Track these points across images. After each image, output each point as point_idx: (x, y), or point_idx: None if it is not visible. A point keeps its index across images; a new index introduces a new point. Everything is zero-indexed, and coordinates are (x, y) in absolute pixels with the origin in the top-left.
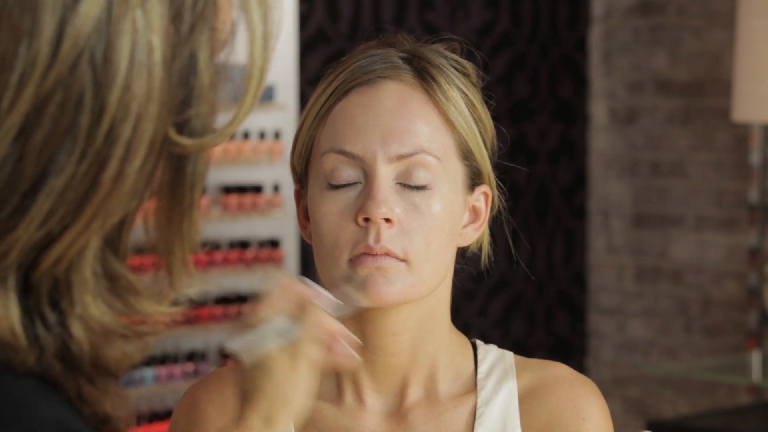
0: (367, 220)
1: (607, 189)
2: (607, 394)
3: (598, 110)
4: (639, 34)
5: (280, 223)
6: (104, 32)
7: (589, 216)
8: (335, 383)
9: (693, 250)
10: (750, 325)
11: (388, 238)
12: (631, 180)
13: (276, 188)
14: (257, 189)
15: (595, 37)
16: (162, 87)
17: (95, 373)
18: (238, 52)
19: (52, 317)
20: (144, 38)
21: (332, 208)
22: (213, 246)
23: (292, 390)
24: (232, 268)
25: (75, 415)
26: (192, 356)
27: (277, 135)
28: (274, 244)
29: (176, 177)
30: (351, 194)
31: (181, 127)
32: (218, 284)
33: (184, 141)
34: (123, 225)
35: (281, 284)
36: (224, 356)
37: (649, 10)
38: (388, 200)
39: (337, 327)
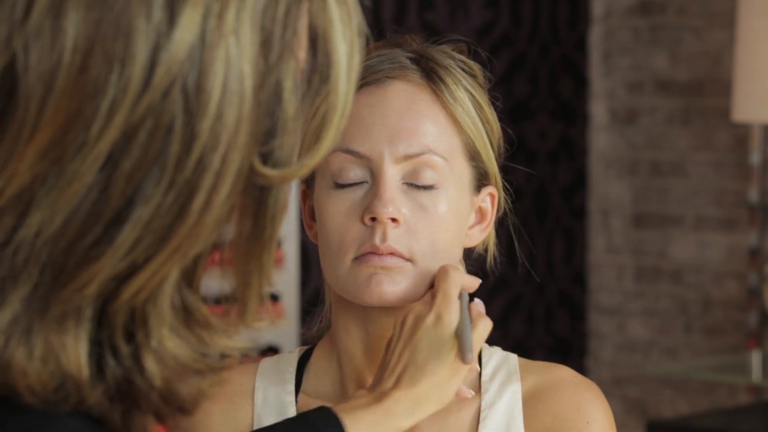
0: (373, 219)
1: (607, 189)
2: (607, 394)
3: (598, 110)
4: (639, 34)
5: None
6: (197, 60)
7: (589, 216)
8: (339, 384)
9: (693, 250)
10: (750, 325)
11: (394, 237)
12: (631, 180)
13: None
14: None
15: (595, 37)
16: (251, 117)
17: (165, 409)
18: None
19: (125, 350)
20: (237, 66)
21: (338, 208)
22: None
23: (451, 382)
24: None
25: None
26: None
27: None
28: None
29: (258, 209)
30: (357, 194)
31: (266, 158)
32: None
33: (269, 172)
34: (200, 257)
35: (450, 276)
36: (224, 355)
37: (649, 10)
38: (394, 200)
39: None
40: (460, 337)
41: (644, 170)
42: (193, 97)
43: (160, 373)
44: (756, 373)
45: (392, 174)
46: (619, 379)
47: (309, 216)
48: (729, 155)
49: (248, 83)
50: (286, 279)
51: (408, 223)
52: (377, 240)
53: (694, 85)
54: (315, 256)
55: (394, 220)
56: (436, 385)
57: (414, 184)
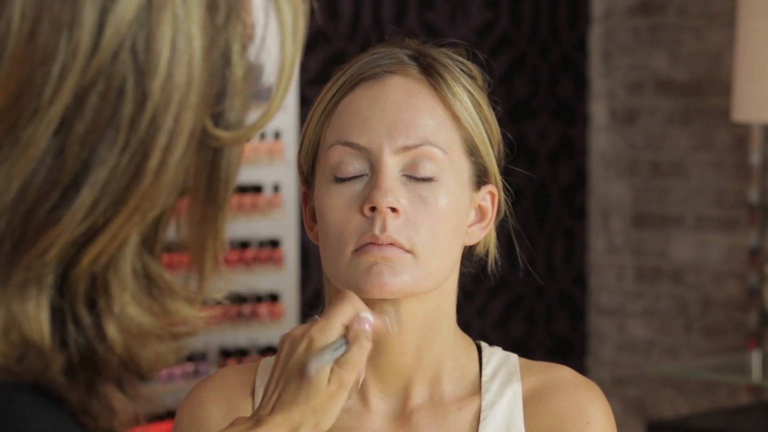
0: (373, 209)
1: (607, 189)
2: (607, 394)
3: (598, 110)
4: (639, 34)
5: (280, 223)
6: (145, 20)
7: (589, 216)
8: None
9: (693, 250)
10: (750, 325)
11: (394, 228)
12: (631, 180)
13: (276, 188)
14: (257, 189)
15: (595, 37)
16: (201, 77)
17: (125, 376)
18: (270, 49)
19: (87, 318)
20: (184, 27)
21: (338, 201)
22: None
23: (328, 407)
24: (232, 268)
25: (78, 430)
26: (192, 356)
27: (277, 135)
28: (274, 244)
29: (211, 171)
30: (357, 187)
31: (217, 120)
32: (218, 284)
33: (220, 133)
34: (159, 223)
35: (349, 303)
36: (225, 356)
37: (649, 10)
38: (394, 190)
39: (363, 370)
40: (317, 352)
41: (644, 170)
42: (143, 58)
43: (121, 340)
44: (756, 373)
45: (391, 165)
46: (619, 379)
47: (310, 217)
48: (729, 155)
49: (197, 44)
50: (286, 279)
51: (407, 215)
52: (377, 230)
53: (694, 85)
54: (315, 256)
55: (393, 210)
56: (311, 411)
57: (413, 177)
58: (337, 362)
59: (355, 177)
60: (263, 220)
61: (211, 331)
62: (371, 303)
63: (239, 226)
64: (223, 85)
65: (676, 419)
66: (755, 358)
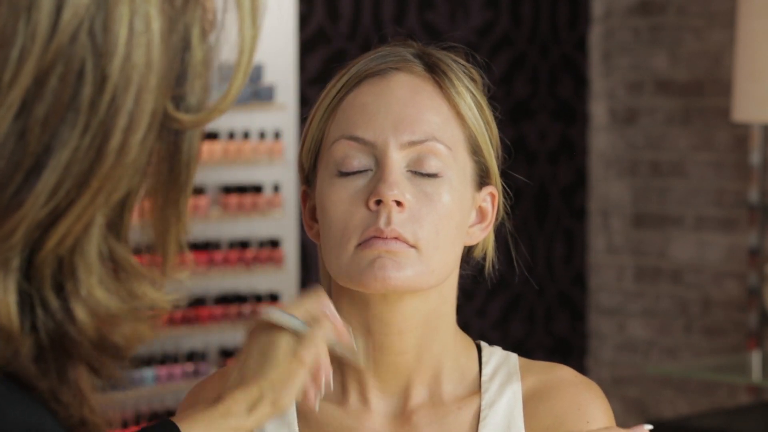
0: (378, 203)
1: (607, 189)
2: (607, 394)
3: (598, 110)
4: (639, 34)
5: (280, 223)
6: (102, 2)
7: (589, 216)
8: (340, 383)
9: (693, 250)
10: (750, 325)
11: (399, 222)
12: (631, 180)
13: (276, 188)
14: (257, 189)
15: (595, 37)
16: (160, 59)
17: (99, 360)
18: (230, 34)
19: (54, 302)
20: (142, 9)
21: (342, 195)
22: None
23: (286, 383)
24: (232, 268)
25: (49, 417)
26: (192, 356)
27: (277, 135)
28: (274, 244)
29: (173, 154)
30: (361, 181)
31: (178, 103)
32: (218, 284)
33: (181, 116)
34: (124, 206)
35: (317, 296)
36: (225, 356)
37: (649, 10)
38: (399, 184)
39: (327, 361)
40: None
41: (644, 170)
42: (101, 39)
43: (91, 323)
44: (756, 373)
45: (397, 160)
46: (619, 379)
47: (309, 216)
48: (729, 155)
49: (155, 26)
50: (286, 279)
51: (412, 210)
52: (382, 223)
53: (694, 85)
54: (315, 256)
55: (399, 204)
56: (270, 386)
57: (418, 172)
58: (297, 339)
59: (359, 171)
60: (263, 220)
61: (210, 331)
62: (374, 301)
63: (239, 226)
64: (183, 68)
65: (676, 419)
66: (755, 358)
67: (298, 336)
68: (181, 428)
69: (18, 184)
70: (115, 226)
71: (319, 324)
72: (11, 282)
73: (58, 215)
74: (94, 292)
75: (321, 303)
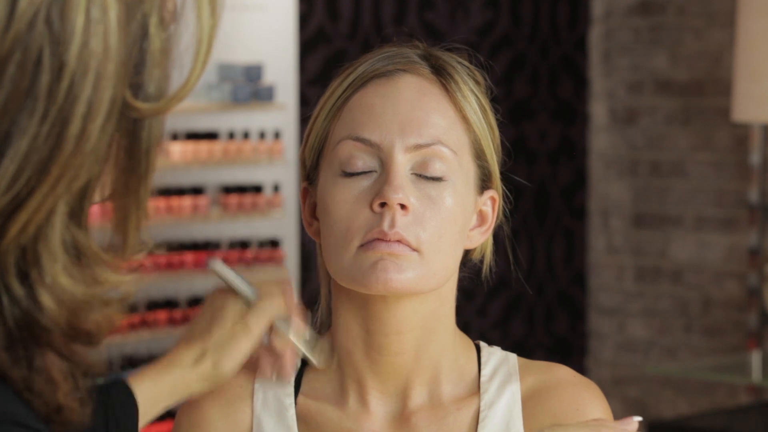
0: (383, 205)
1: (607, 189)
2: (607, 394)
3: (598, 110)
4: (639, 34)
5: (280, 223)
6: None
7: (589, 216)
8: (339, 385)
9: (693, 250)
10: (750, 325)
11: (403, 225)
12: (631, 180)
13: (276, 188)
14: (257, 189)
15: (595, 37)
16: (118, 47)
17: (70, 345)
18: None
19: (19, 290)
20: None
21: (346, 196)
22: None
23: (230, 345)
24: (232, 268)
25: (22, 406)
26: None
27: (277, 135)
28: (274, 244)
29: (132, 142)
30: (365, 183)
31: (136, 92)
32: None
33: (140, 105)
34: (85, 194)
35: (283, 281)
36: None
37: (649, 10)
38: (404, 187)
39: (292, 348)
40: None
41: (644, 170)
42: (58, 27)
43: (59, 310)
44: (756, 373)
45: (402, 162)
46: (619, 379)
47: (309, 213)
48: (729, 155)
49: (112, 13)
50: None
51: (416, 213)
52: (386, 225)
53: (694, 85)
54: (315, 256)
55: (403, 207)
56: (213, 346)
57: (423, 175)
58: (247, 306)
59: (363, 172)
60: (263, 220)
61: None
62: (373, 301)
63: (239, 226)
64: (142, 56)
65: (676, 419)
66: (755, 358)
67: (248, 305)
68: (130, 384)
69: None
70: (76, 213)
71: (271, 297)
72: None
73: (18, 204)
74: (58, 279)
75: (283, 286)
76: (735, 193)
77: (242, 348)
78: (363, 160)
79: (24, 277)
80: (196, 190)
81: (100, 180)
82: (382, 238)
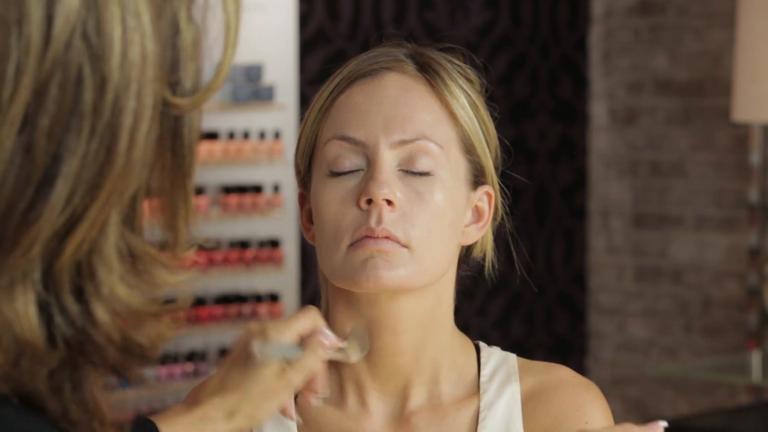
0: (369, 202)
1: (607, 189)
2: (607, 394)
3: (598, 110)
4: (639, 34)
5: (280, 223)
6: (92, 5)
7: (589, 216)
8: (338, 386)
9: (693, 250)
10: (750, 325)
11: (390, 221)
12: (631, 180)
13: (276, 188)
14: (257, 189)
15: (595, 37)
16: (154, 50)
17: (124, 362)
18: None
19: (74, 308)
20: (131, 4)
21: (334, 195)
22: (214, 245)
23: (267, 400)
24: (232, 268)
25: None
26: (192, 356)
27: (277, 135)
28: (274, 244)
29: (175, 140)
30: (353, 181)
31: (174, 89)
32: (218, 284)
33: (179, 101)
34: (136, 199)
35: (309, 315)
36: (225, 356)
37: (649, 10)
38: (390, 182)
39: (321, 371)
40: (268, 342)
41: (644, 170)
42: (96, 42)
43: (113, 323)
44: (756, 373)
45: (388, 159)
46: (619, 379)
47: (306, 219)
48: (729, 155)
49: (145, 18)
50: (286, 279)
51: (403, 209)
52: (373, 222)
53: (694, 85)
54: (315, 256)
55: (389, 202)
56: (249, 399)
57: (409, 171)
58: (289, 363)
59: (351, 171)
60: (263, 220)
61: (210, 331)
62: (368, 301)
63: (239, 226)
64: (175, 53)
65: (676, 419)
66: (755, 358)
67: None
68: (160, 428)
69: (30, 198)
70: (129, 218)
71: (315, 353)
72: (31, 294)
73: (74, 222)
74: (116, 289)
75: (314, 323)
76: (735, 193)
77: (281, 401)
78: (350, 160)
79: (79, 293)
80: (196, 190)
81: (147, 183)
82: (370, 235)
